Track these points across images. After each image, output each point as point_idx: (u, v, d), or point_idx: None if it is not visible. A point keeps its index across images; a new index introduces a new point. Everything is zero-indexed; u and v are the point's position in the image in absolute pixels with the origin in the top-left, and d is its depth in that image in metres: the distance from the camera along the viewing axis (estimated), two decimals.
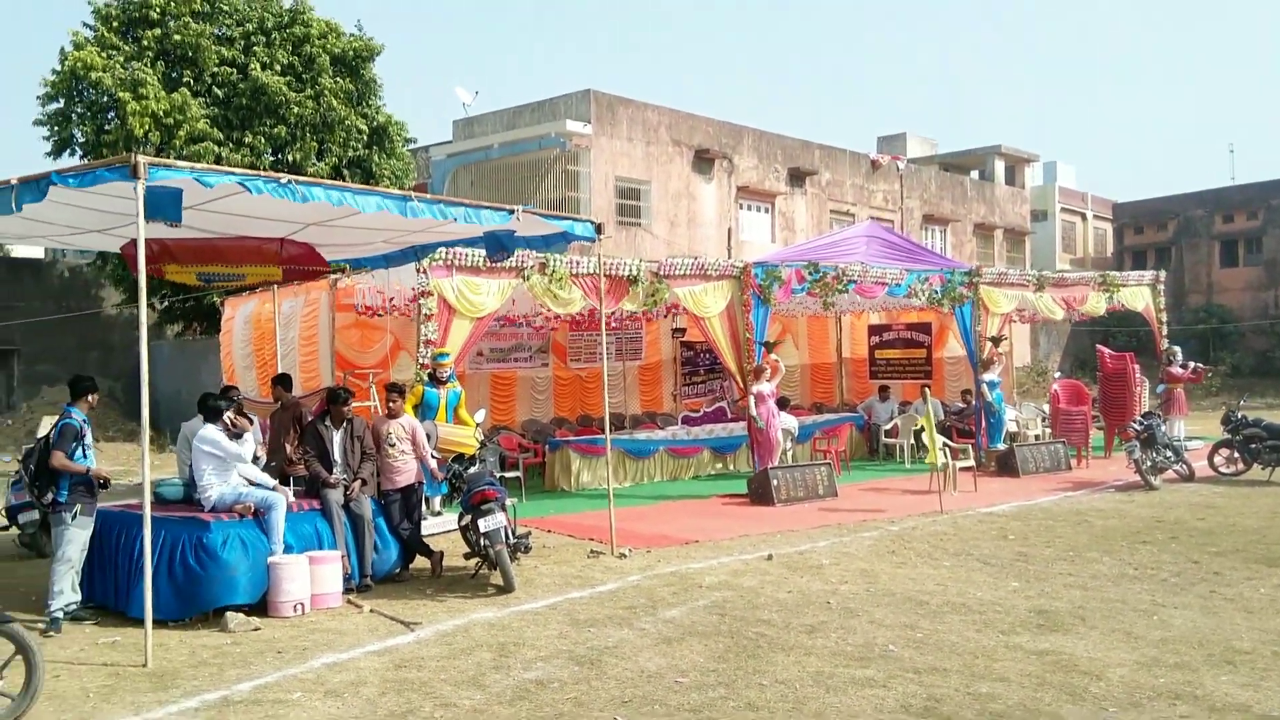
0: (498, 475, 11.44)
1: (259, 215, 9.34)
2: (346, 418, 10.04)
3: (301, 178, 8.40)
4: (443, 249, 12.52)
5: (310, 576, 8.78)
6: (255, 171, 8.67)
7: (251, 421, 10.54)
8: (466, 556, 9.87)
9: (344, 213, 9.41)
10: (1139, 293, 20.87)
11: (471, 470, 10.15)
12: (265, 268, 10.56)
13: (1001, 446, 17.83)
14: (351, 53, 26.67)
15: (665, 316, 20.30)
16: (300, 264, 10.67)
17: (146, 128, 23.67)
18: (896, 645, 7.27)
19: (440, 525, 12.61)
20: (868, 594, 8.90)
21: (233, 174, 7.91)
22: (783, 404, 17.93)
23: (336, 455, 9.90)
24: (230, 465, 9.19)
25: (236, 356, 18.98)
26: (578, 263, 14.66)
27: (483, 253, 12.72)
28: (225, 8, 26.15)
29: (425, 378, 12.96)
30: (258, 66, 25.10)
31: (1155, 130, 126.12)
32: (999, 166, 50.02)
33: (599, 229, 11.31)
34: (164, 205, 7.72)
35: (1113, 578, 9.44)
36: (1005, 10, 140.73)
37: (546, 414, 21.74)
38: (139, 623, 7.73)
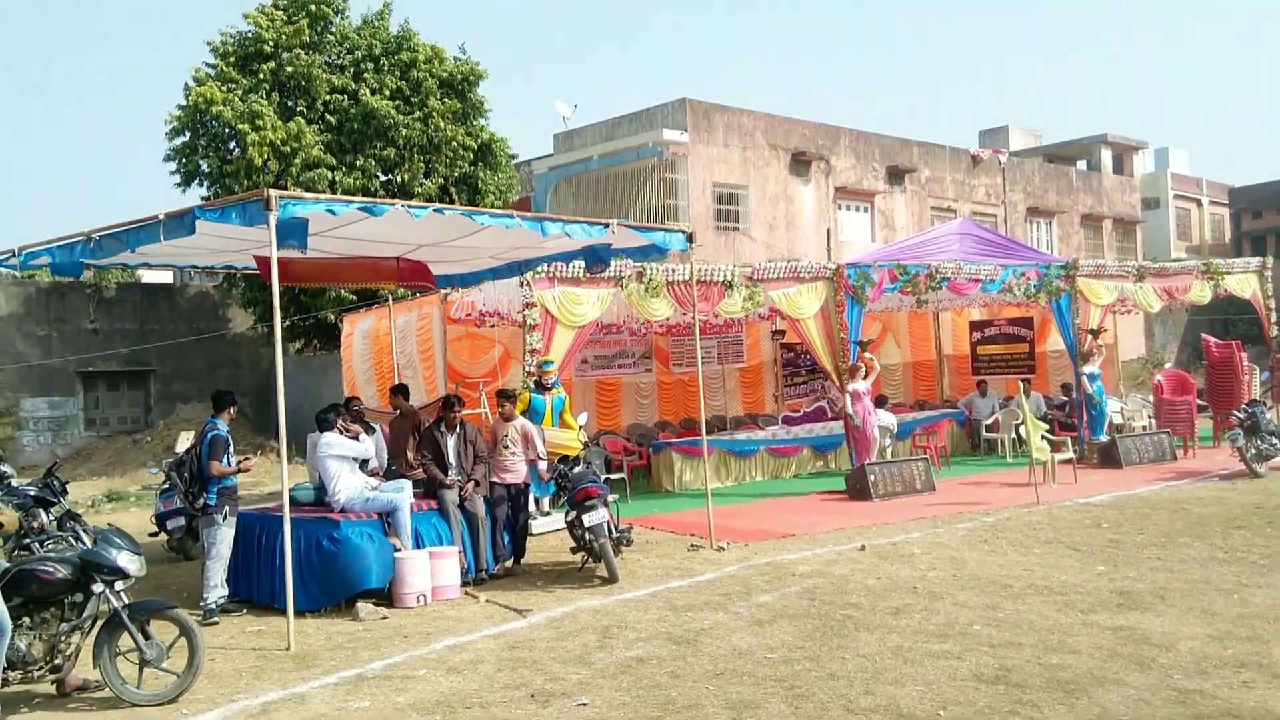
0: (601, 475, 12.09)
1: (377, 239, 10.16)
2: (459, 423, 10.79)
3: (415, 203, 9.17)
4: (545, 263, 13.21)
5: (431, 570, 9.53)
6: (374, 199, 9.45)
7: (373, 430, 11.39)
8: (573, 550, 10.52)
9: (456, 234, 10.22)
10: (1245, 280, 20.59)
11: (576, 470, 10.81)
12: (384, 282, 11.42)
13: (1104, 438, 17.86)
14: (459, 76, 27.70)
15: (766, 320, 20.74)
16: (414, 279, 11.47)
17: (265, 156, 24.98)
18: (977, 624, 7.68)
19: (549, 524, 13.31)
20: (954, 579, 9.29)
21: (354, 202, 8.70)
22: (881, 401, 18.29)
23: (451, 458, 10.66)
24: (354, 464, 9.99)
25: (357, 370, 20.05)
26: (673, 270, 15.21)
27: (582, 264, 13.42)
28: (333, 37, 27.43)
29: (531, 385, 13.68)
30: (367, 92, 26.26)
31: (1274, 110, 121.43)
32: (1106, 155, 49.18)
33: (690, 238, 11.80)
34: (294, 233, 8.58)
35: (1201, 561, 9.65)
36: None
37: (651, 418, 22.40)
38: (281, 613, 8.60)
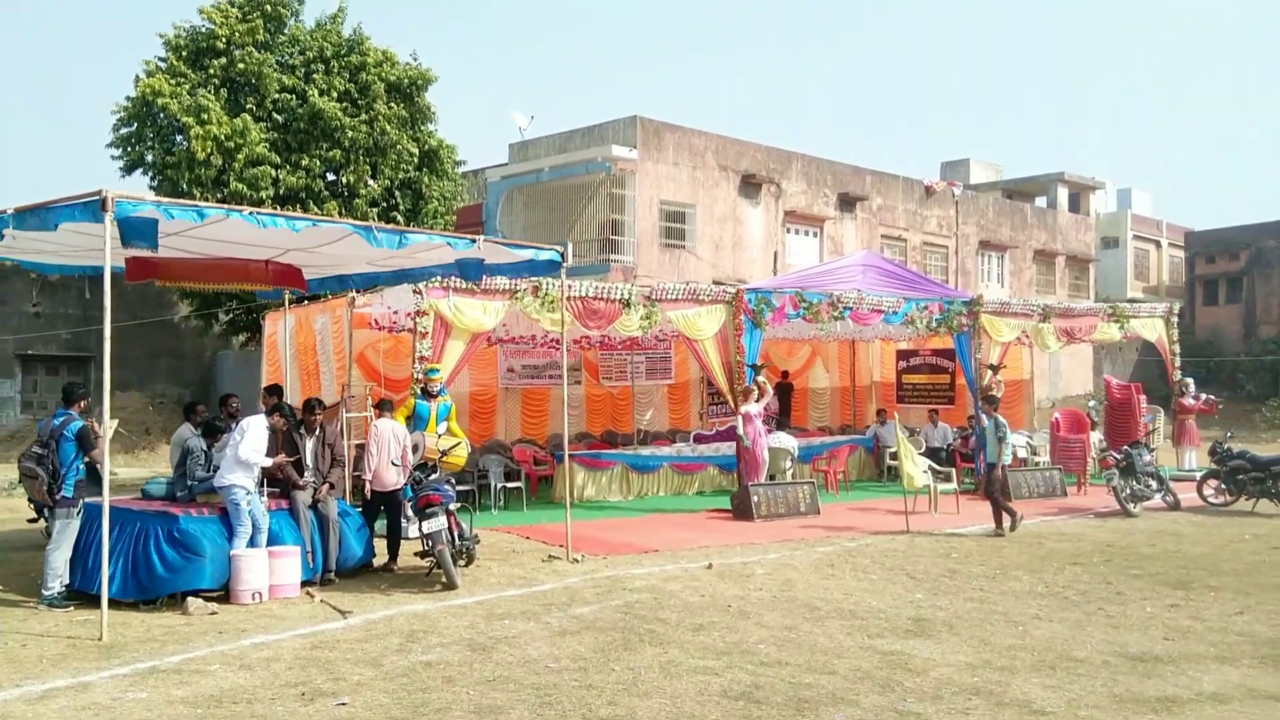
0: (501, 482, 12.25)
1: (242, 241, 10.40)
2: (318, 426, 11.04)
3: (264, 210, 9.43)
4: (430, 275, 13.39)
5: (269, 569, 9.76)
6: (219, 205, 9.64)
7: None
8: (420, 555, 10.74)
9: (320, 240, 10.48)
10: (1151, 324, 21.04)
11: (432, 477, 11.04)
12: (256, 284, 11.64)
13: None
14: (406, 80, 27.98)
15: (669, 339, 21.00)
16: (285, 283, 11.71)
17: (209, 150, 25.20)
18: (764, 644, 7.96)
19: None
20: (773, 600, 9.59)
21: (196, 207, 8.95)
22: (781, 424, 18.63)
23: (308, 460, 10.90)
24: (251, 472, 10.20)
25: (286, 368, 20.17)
26: (570, 286, 15.48)
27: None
28: (286, 38, 27.68)
29: (418, 391, 13.92)
30: (316, 93, 26.51)
31: (1240, 155, 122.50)
32: (1062, 193, 49.86)
33: (564, 257, 12.02)
34: (142, 233, 8.81)
35: (1018, 594, 9.98)
36: (1079, 37, 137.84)
37: (577, 429, 22.70)
38: (116, 603, 8.85)
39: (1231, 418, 41.32)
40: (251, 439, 10.14)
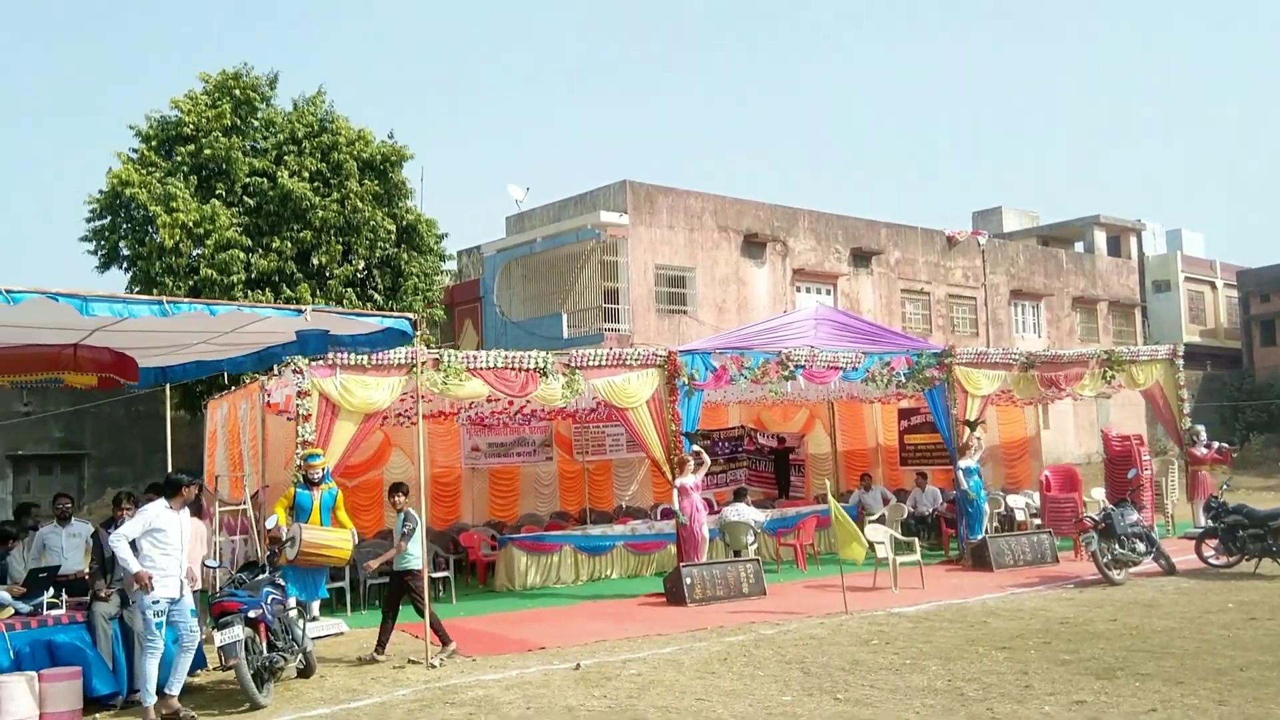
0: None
1: (25, 324, 9.37)
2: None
3: (15, 287, 8.37)
4: (334, 348, 12.19)
5: (40, 695, 8.56)
6: None
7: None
8: (219, 669, 9.43)
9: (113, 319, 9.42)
10: (1149, 370, 19.09)
11: (258, 578, 9.80)
12: (77, 374, 10.57)
13: (976, 538, 16.50)
14: (380, 157, 27.35)
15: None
16: (110, 371, 10.65)
17: (177, 238, 24.68)
18: None
19: (324, 629, 12.55)
20: (606, 712, 8.16)
21: None
22: (740, 495, 17.17)
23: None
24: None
25: (219, 459, 19.32)
26: (476, 356, 14.34)
27: (366, 349, 12.66)
28: (257, 122, 27.26)
29: (299, 479, 12.79)
30: (286, 174, 25.94)
31: None
32: (1100, 237, 47.76)
33: (414, 325, 10.85)
34: None
35: (909, 691, 8.44)
36: (1114, 79, 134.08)
37: (552, 508, 21.52)
38: None
39: None
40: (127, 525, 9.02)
